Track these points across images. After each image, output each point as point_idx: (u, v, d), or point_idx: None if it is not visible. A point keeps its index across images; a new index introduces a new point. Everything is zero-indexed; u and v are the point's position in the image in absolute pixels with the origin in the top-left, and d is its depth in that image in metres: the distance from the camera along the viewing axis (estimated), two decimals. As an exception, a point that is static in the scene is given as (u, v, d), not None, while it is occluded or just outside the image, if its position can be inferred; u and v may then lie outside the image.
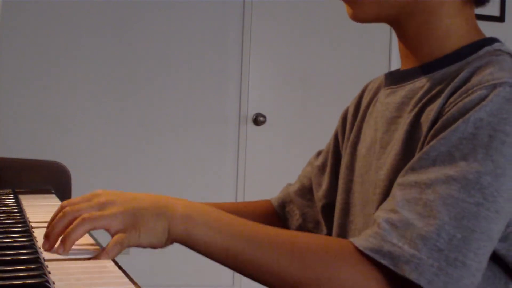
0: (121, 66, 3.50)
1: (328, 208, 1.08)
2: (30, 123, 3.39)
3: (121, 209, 0.78)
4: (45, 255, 0.77)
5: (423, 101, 0.86)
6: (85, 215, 0.77)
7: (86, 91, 3.46)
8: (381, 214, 0.75)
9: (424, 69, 0.89)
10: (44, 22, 3.39)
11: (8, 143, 3.27)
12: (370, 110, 1.01)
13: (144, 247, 0.78)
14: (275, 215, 1.16)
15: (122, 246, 0.76)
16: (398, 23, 0.92)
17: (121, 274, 0.69)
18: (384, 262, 0.71)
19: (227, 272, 3.57)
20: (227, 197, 3.66)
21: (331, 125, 3.93)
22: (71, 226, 0.77)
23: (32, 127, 3.39)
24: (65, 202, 0.96)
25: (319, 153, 1.16)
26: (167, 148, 3.57)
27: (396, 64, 3.79)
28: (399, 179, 0.78)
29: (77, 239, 0.77)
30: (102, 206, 0.79)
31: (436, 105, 0.82)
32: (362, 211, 0.96)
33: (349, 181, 1.01)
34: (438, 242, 0.71)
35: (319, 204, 1.10)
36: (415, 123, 0.85)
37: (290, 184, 1.19)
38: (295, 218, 1.14)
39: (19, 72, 3.36)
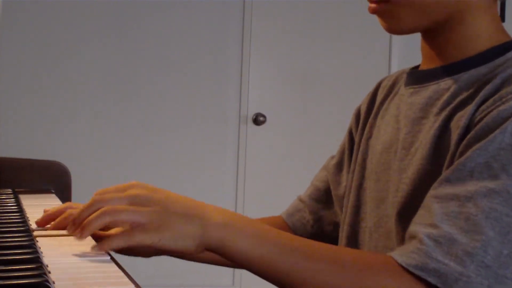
0: (121, 66, 3.50)
1: None
2: (30, 123, 3.39)
3: (152, 208, 0.75)
4: (45, 255, 0.77)
5: (452, 105, 0.84)
6: (108, 207, 0.75)
7: (86, 91, 3.46)
8: (420, 229, 0.73)
9: (449, 69, 0.88)
10: (44, 22, 3.39)
11: (8, 143, 3.27)
12: (385, 106, 1.00)
13: (168, 251, 0.75)
14: (286, 227, 1.12)
15: (133, 239, 0.73)
16: (429, 28, 0.90)
17: (121, 274, 0.69)
18: (431, 280, 0.69)
19: (227, 272, 3.57)
20: (227, 197, 3.66)
21: (331, 124, 3.91)
22: (93, 214, 0.75)
23: (32, 127, 3.39)
24: (67, 204, 0.97)
25: (332, 157, 1.13)
26: (167, 148, 3.57)
27: (396, 64, 3.79)
28: (433, 191, 0.75)
29: (96, 229, 0.75)
30: (132, 199, 0.76)
31: (466, 111, 0.80)
32: (374, 210, 0.94)
33: (361, 178, 0.99)
34: (485, 258, 0.69)
35: (341, 204, 1.06)
36: (443, 128, 0.83)
37: (300, 195, 1.16)
38: (308, 224, 1.10)
39: (19, 72, 3.36)
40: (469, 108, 0.80)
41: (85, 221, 0.75)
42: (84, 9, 3.43)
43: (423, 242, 0.71)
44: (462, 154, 0.76)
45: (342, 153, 1.10)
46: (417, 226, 0.74)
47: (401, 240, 0.86)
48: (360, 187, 0.99)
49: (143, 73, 3.53)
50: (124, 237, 0.73)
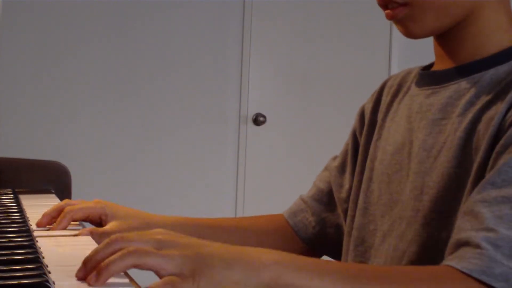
0: (121, 66, 3.50)
1: None
2: (30, 123, 3.39)
3: (182, 252, 0.63)
4: (46, 255, 0.77)
5: (477, 106, 0.82)
6: (132, 247, 0.63)
7: (86, 91, 3.47)
8: (473, 235, 0.69)
9: (468, 69, 0.86)
10: (44, 22, 3.39)
11: (8, 143, 3.27)
12: (394, 108, 0.98)
13: None
14: (288, 227, 1.10)
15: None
16: (447, 28, 0.88)
17: (121, 273, 0.69)
18: (497, 285, 0.66)
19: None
20: (227, 197, 3.66)
21: (331, 125, 3.91)
22: (114, 256, 0.63)
23: (32, 127, 3.39)
24: (65, 201, 0.95)
25: (335, 157, 1.11)
26: (167, 148, 3.57)
27: (396, 64, 3.79)
28: (478, 196, 0.73)
29: (117, 273, 0.64)
30: (158, 243, 0.65)
31: (497, 111, 0.79)
32: (388, 213, 0.92)
33: (369, 180, 0.97)
34: None
35: (343, 206, 1.05)
36: (470, 131, 0.81)
37: (302, 195, 1.13)
38: (310, 226, 1.08)
39: (19, 72, 3.36)
40: (499, 108, 0.78)
41: (104, 263, 0.64)
42: (84, 9, 3.43)
43: (481, 246, 0.68)
44: (499, 155, 0.75)
45: (345, 154, 1.08)
46: (467, 232, 0.70)
47: (422, 245, 0.85)
48: (367, 189, 0.97)
49: (143, 73, 3.53)
50: (167, 286, 0.62)
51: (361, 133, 1.05)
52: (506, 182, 0.71)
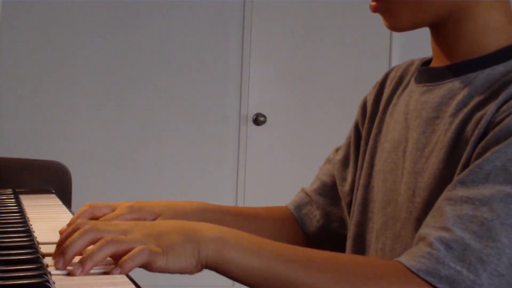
0: (121, 66, 3.50)
1: None
2: (30, 123, 3.39)
3: (146, 233, 0.72)
4: (46, 257, 0.77)
5: (469, 106, 0.81)
6: (109, 237, 0.70)
7: (86, 91, 3.47)
8: (431, 232, 0.70)
9: (464, 68, 0.85)
10: (44, 22, 3.39)
11: (8, 143, 3.27)
12: (393, 101, 0.97)
13: (172, 271, 0.73)
14: (292, 219, 1.10)
15: (149, 257, 0.69)
16: (434, 24, 0.88)
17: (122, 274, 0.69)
18: (441, 287, 0.67)
19: (227, 272, 3.56)
20: (227, 197, 3.66)
21: (332, 124, 3.90)
22: (93, 247, 0.70)
23: (32, 127, 3.39)
24: (80, 221, 0.92)
25: (337, 149, 1.10)
26: (167, 148, 3.57)
27: (396, 63, 3.79)
28: (447, 193, 0.73)
29: (99, 262, 0.70)
30: (124, 232, 0.72)
31: (486, 112, 0.77)
32: (381, 211, 0.91)
33: (368, 175, 0.96)
34: (498, 266, 0.67)
35: (347, 200, 1.04)
36: (460, 131, 0.80)
37: (305, 188, 1.12)
38: (315, 219, 1.07)
39: (19, 72, 3.36)
40: (489, 109, 0.77)
41: (87, 253, 0.70)
42: (84, 9, 3.43)
43: (433, 246, 0.68)
44: (479, 156, 0.74)
45: (348, 146, 1.07)
46: (427, 229, 0.71)
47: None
48: (367, 185, 0.96)
49: (143, 73, 3.53)
50: (143, 253, 0.69)
51: (363, 125, 1.03)
52: (474, 183, 0.71)
